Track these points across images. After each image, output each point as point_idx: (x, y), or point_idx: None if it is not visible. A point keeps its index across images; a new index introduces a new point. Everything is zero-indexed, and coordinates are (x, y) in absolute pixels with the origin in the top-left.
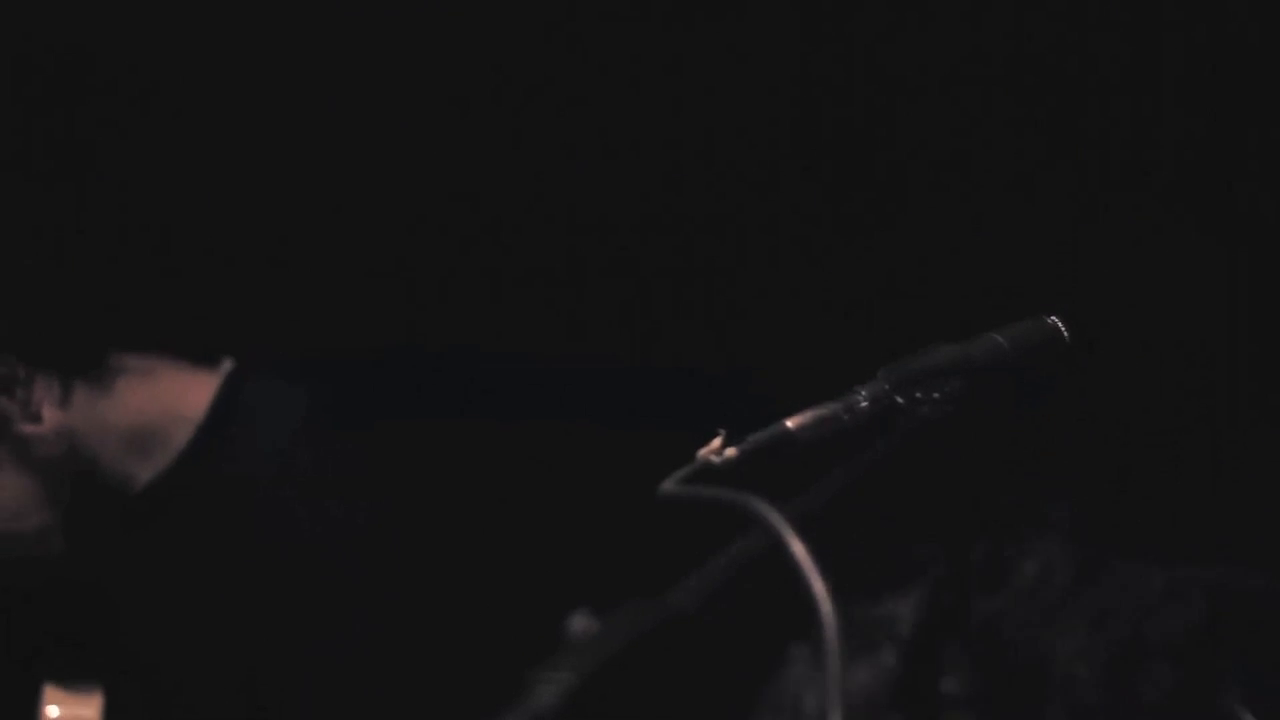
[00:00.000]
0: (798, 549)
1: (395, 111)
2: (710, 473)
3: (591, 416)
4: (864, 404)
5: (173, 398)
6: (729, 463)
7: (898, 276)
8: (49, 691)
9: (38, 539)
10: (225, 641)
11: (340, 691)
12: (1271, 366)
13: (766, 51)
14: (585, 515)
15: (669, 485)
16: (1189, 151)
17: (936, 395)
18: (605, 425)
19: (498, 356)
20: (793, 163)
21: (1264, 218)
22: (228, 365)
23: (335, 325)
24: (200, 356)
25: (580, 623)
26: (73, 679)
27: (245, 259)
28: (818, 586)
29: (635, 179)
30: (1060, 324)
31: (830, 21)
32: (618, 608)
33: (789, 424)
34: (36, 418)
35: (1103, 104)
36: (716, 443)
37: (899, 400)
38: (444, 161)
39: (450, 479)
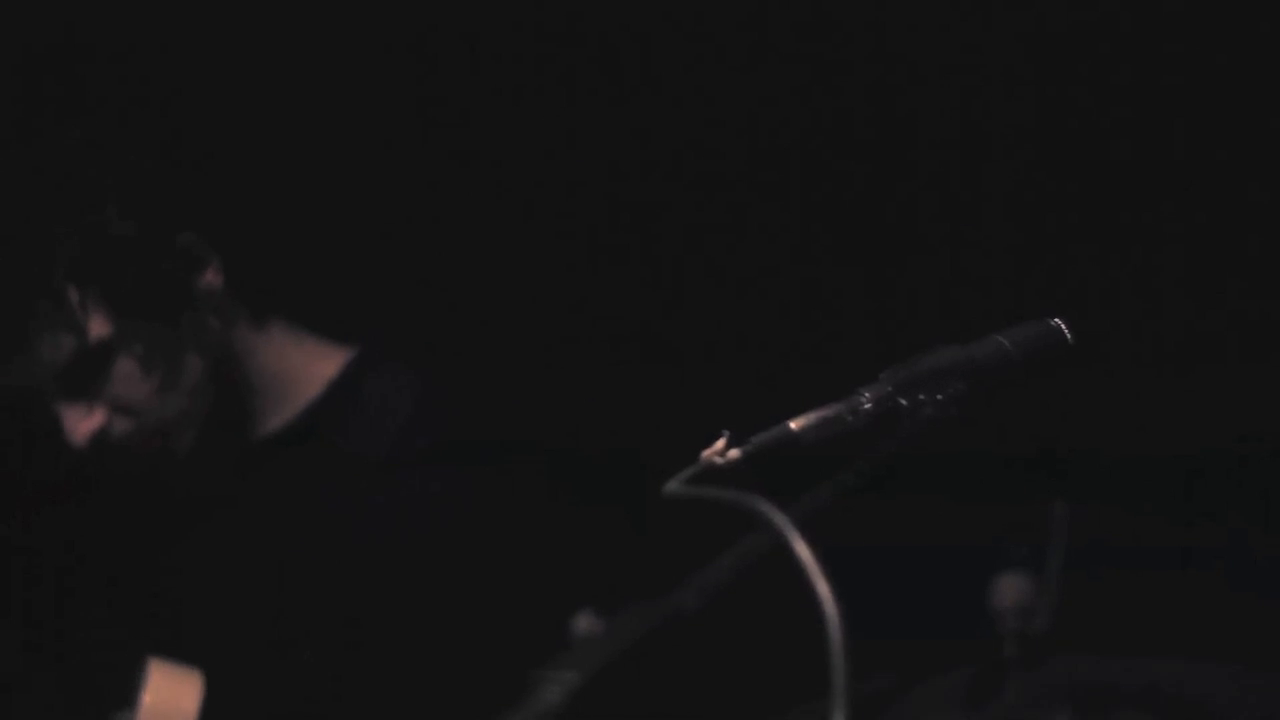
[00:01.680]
0: (802, 550)
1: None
2: (714, 474)
3: (593, 417)
4: (867, 405)
5: (311, 362)
6: (733, 464)
7: (901, 278)
8: (153, 667)
9: (175, 423)
10: (269, 619)
11: (349, 689)
12: (1272, 365)
13: (770, 50)
14: (589, 516)
15: (673, 486)
16: (1190, 151)
17: (940, 397)
18: (608, 426)
19: (504, 359)
20: (796, 163)
21: (1264, 218)
22: (359, 347)
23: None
24: (338, 334)
25: (585, 623)
26: (175, 656)
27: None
28: (822, 588)
29: (637, 179)
30: (1063, 326)
31: (834, 21)
32: (622, 608)
33: (793, 425)
34: (220, 313)
35: (1104, 104)
36: (720, 444)
37: (902, 402)
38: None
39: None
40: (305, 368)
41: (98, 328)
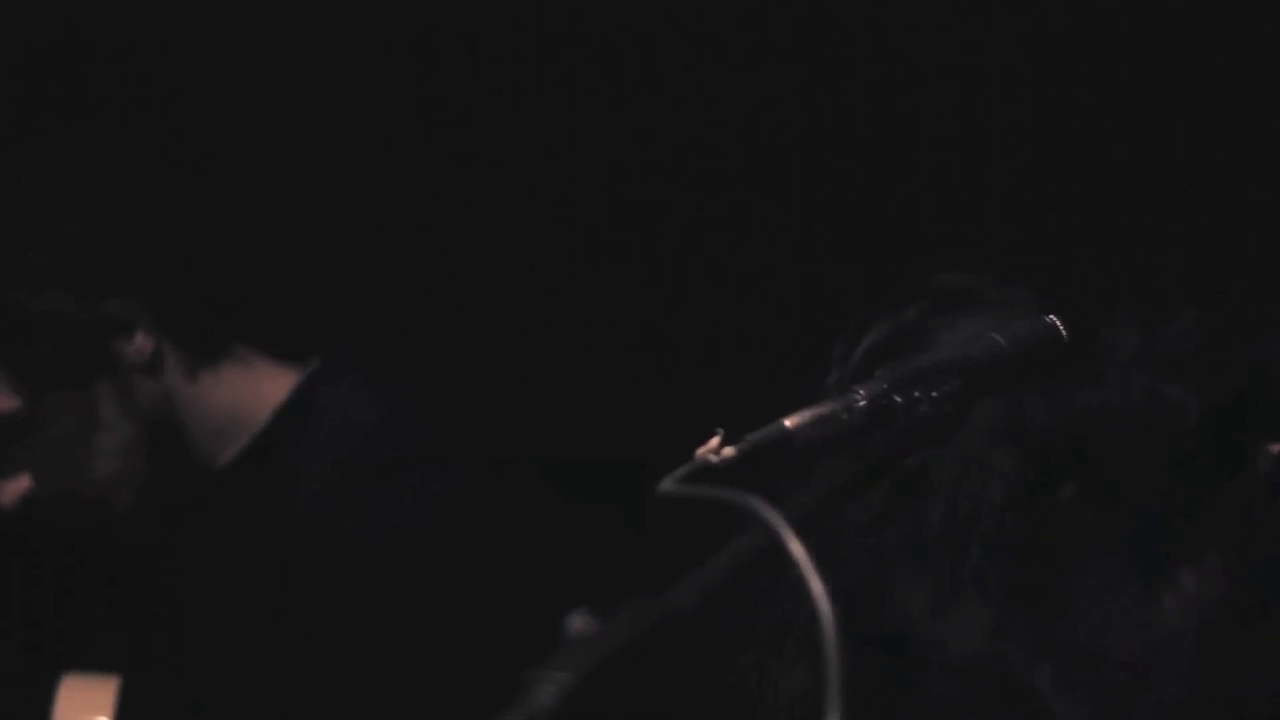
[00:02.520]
0: (796, 548)
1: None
2: (708, 472)
3: (589, 416)
4: (862, 403)
5: (263, 387)
6: (727, 462)
7: (897, 275)
8: (66, 681)
9: (109, 484)
10: (254, 632)
11: (345, 691)
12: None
13: (768, 49)
14: (584, 514)
15: (667, 484)
16: (1188, 150)
17: (935, 394)
18: (603, 424)
19: (501, 352)
20: (793, 161)
21: (1264, 218)
22: (314, 364)
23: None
24: (290, 353)
25: (579, 622)
26: (92, 666)
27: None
28: (816, 586)
29: (636, 178)
30: (1059, 323)
31: (831, 20)
32: (616, 607)
33: (787, 423)
34: (154, 372)
35: (1102, 102)
36: (714, 442)
37: (897, 399)
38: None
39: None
40: (255, 395)
41: (6, 402)
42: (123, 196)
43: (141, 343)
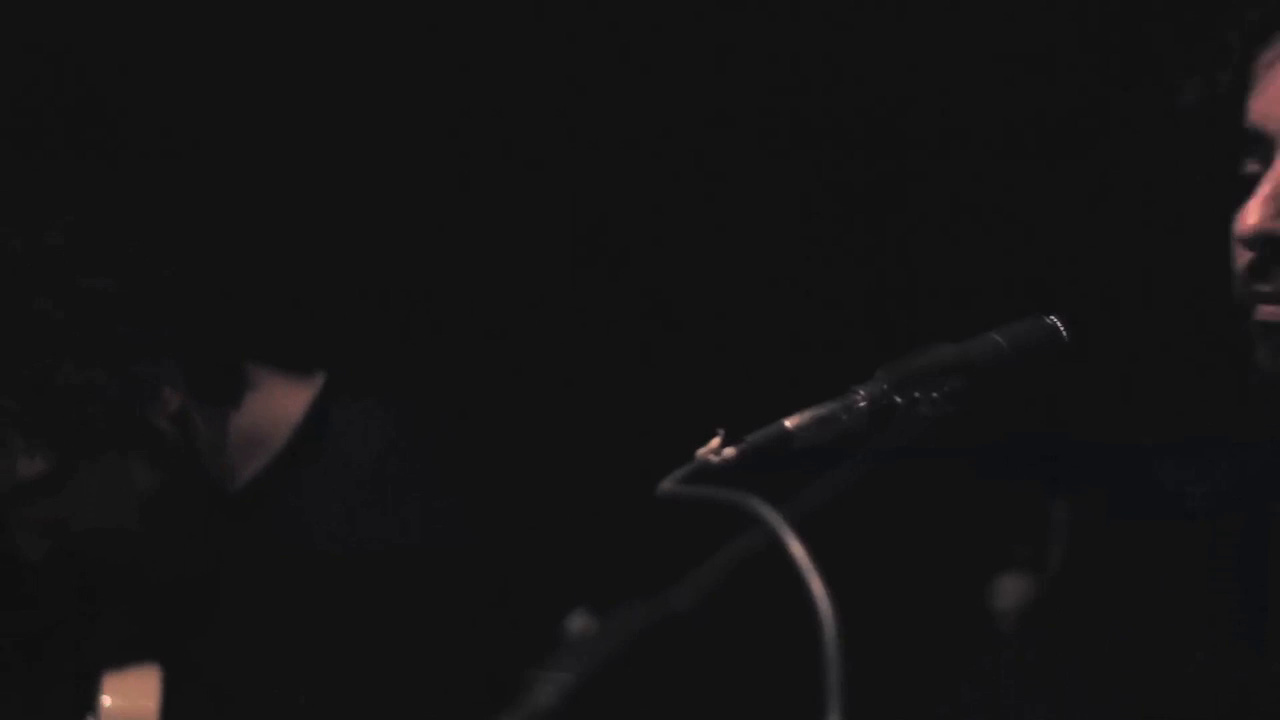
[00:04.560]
0: (797, 549)
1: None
2: (709, 472)
3: (590, 415)
4: (862, 404)
5: (276, 406)
6: (727, 462)
7: (897, 276)
8: (108, 678)
9: (139, 526)
10: (288, 639)
11: (350, 691)
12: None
13: (768, 51)
14: (584, 515)
15: (668, 484)
16: (1189, 150)
17: (935, 395)
18: (603, 424)
19: (504, 355)
20: (793, 162)
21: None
22: (321, 378)
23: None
24: (295, 368)
25: (579, 622)
26: (132, 661)
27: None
28: (816, 586)
29: (636, 177)
30: (1059, 324)
31: (830, 20)
32: (616, 607)
33: (787, 424)
34: (181, 423)
35: (1102, 103)
36: (715, 442)
37: (898, 400)
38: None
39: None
40: (270, 415)
41: (37, 468)
42: (148, 250)
43: (169, 400)
